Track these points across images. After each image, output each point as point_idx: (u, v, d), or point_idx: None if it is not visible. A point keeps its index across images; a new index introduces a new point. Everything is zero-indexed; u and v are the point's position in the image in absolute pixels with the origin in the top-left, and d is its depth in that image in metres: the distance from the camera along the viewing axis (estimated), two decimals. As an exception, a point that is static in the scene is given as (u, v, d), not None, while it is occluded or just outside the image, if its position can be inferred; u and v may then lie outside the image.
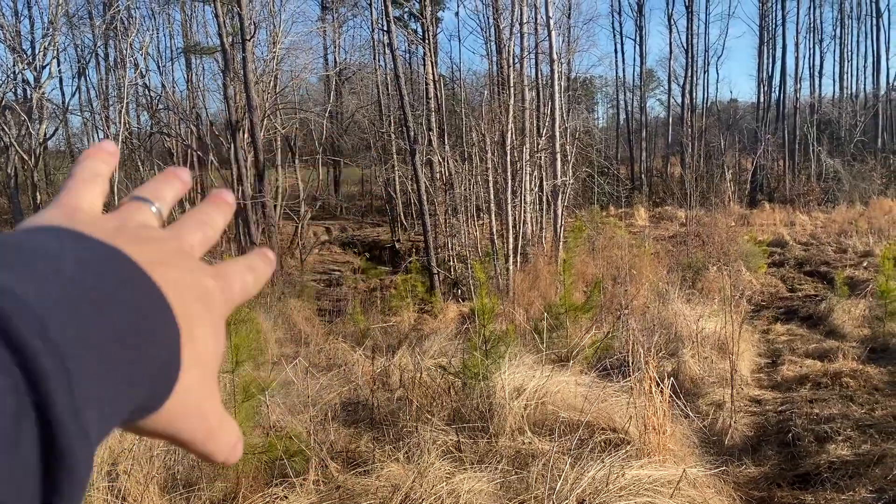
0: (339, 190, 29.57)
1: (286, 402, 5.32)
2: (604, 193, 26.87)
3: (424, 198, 14.26)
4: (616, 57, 38.90)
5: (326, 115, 21.54)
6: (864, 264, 16.04)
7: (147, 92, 22.11)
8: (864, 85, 37.41)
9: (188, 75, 22.99)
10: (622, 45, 46.72)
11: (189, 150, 22.38)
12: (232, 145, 15.52)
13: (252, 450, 4.15)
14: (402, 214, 24.07)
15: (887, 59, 37.86)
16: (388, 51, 18.73)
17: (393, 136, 21.43)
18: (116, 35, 19.35)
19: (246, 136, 16.23)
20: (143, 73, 20.02)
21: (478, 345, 5.31)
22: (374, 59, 24.89)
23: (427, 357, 6.56)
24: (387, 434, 4.73)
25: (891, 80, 39.14)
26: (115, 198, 12.68)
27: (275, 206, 17.61)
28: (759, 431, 5.39)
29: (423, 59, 20.59)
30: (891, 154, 31.13)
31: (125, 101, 15.50)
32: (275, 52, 18.15)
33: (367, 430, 4.90)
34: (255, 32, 15.31)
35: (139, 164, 21.76)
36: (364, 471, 4.07)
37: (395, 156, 21.71)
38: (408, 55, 28.04)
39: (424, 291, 13.63)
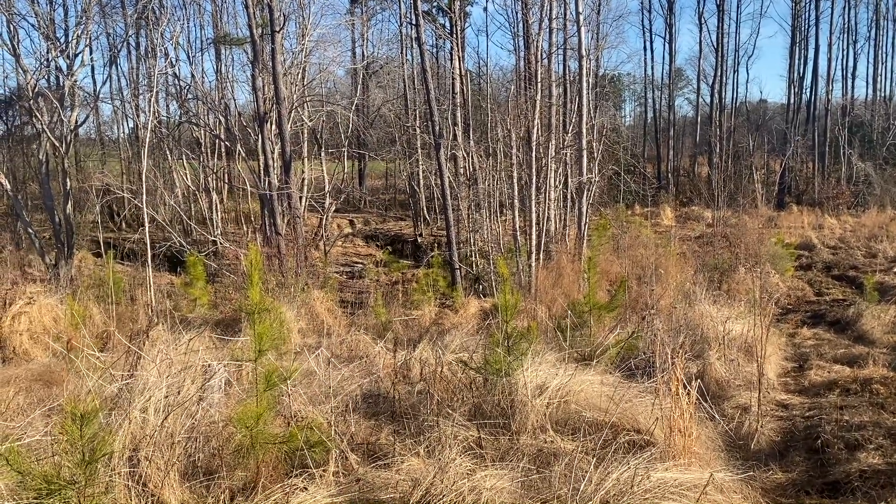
0: (364, 183, 29.63)
1: (308, 392, 5.30)
2: (630, 192, 26.63)
3: (448, 192, 14.21)
4: (645, 54, 38.60)
5: (353, 108, 21.54)
6: (895, 270, 15.75)
7: (177, 81, 22.29)
8: (899, 88, 36.69)
9: (217, 66, 23.11)
10: (651, 42, 46.33)
11: (217, 140, 22.53)
12: (259, 136, 15.57)
13: (273, 439, 4.14)
14: (424, 209, 24.05)
15: (923, 61, 36.93)
16: (415, 45, 18.70)
17: (418, 130, 21.40)
18: (148, 24, 19.53)
19: (273, 127, 16.28)
20: (173, 62, 20.19)
21: (499, 341, 5.26)
22: (402, 52, 24.89)
23: (448, 351, 6.51)
24: (407, 427, 4.70)
25: (926, 83, 38.32)
26: (143, 185, 12.79)
27: (300, 197, 17.67)
28: (786, 437, 5.28)
29: (451, 54, 20.55)
30: (924, 158, 30.51)
31: (155, 90, 15.61)
32: (303, 45, 18.18)
33: (387, 423, 4.87)
34: (284, 24, 15.34)
35: (168, 152, 21.96)
36: (384, 464, 4.04)
37: (419, 150, 21.70)
38: (435, 49, 28.01)
39: (446, 286, 13.60)
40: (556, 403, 4.72)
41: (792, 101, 33.63)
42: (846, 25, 34.56)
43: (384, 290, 13.80)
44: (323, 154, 21.48)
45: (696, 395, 4.24)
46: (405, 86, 24.36)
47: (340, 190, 21.99)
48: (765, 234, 18.63)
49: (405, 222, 25.12)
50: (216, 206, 21.64)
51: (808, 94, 33.75)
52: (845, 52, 35.10)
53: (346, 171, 24.07)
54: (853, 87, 35.84)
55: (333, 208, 20.54)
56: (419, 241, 21.94)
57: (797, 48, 33.20)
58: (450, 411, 4.82)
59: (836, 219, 24.44)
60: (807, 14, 33.20)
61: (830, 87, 33.20)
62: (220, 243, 16.48)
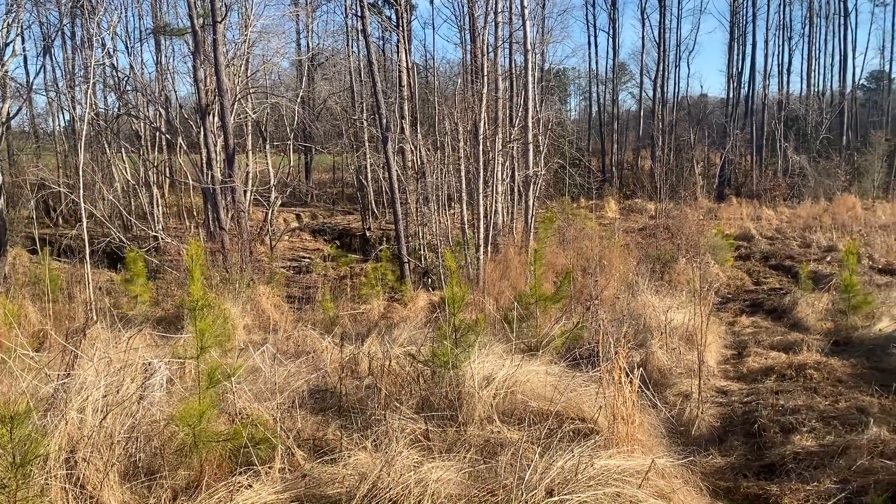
0: (311, 177, 29.29)
1: (253, 389, 5.23)
2: (575, 185, 27.00)
3: (396, 186, 14.17)
4: (589, 49, 39.11)
5: (298, 100, 21.24)
6: (828, 259, 16.36)
7: (115, 73, 21.60)
8: (831, 83, 38.06)
9: (157, 57, 22.48)
10: (595, 37, 47.02)
11: (157, 133, 21.96)
12: (201, 129, 15.23)
13: (216, 437, 4.07)
14: (373, 202, 23.92)
15: (853, 58, 38.45)
16: (361, 37, 18.54)
17: (365, 123, 21.26)
18: (83, 14, 18.85)
19: (216, 120, 15.95)
20: (111, 53, 19.55)
21: (447, 333, 5.28)
22: (348, 45, 24.64)
23: (396, 345, 6.51)
24: (355, 422, 4.69)
25: (856, 79, 39.90)
26: (80, 180, 12.38)
27: (245, 191, 17.36)
28: (725, 422, 5.44)
29: (397, 47, 20.44)
30: (855, 152, 31.74)
31: (92, 82, 15.12)
32: (246, 36, 17.83)
33: (334, 418, 4.85)
34: (226, 14, 15.02)
35: (106, 146, 21.30)
36: (331, 459, 4.02)
37: (367, 143, 21.55)
38: (381, 42, 27.83)
39: (395, 280, 13.58)
40: (502, 394, 4.77)
41: (731, 95, 34.58)
42: (781, 22, 35.68)
43: (332, 285, 13.69)
44: (268, 147, 21.14)
45: (639, 383, 4.33)
46: (352, 78, 24.14)
47: (286, 184, 21.70)
48: (705, 225, 19.14)
49: (353, 216, 24.96)
50: (157, 200, 21.10)
51: (746, 88, 34.75)
52: (781, 49, 36.24)
53: (292, 164, 23.73)
54: (789, 82, 37.10)
55: (279, 202, 20.26)
56: (367, 235, 21.83)
57: (736, 44, 34.12)
58: (398, 405, 4.82)
59: (773, 210, 25.23)
60: (744, 11, 34.15)
61: (767, 82, 34.25)
62: (162, 239, 16.10)
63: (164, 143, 22.91)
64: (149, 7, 23.31)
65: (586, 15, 37.49)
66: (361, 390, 5.54)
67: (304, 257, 19.04)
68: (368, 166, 22.28)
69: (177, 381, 4.98)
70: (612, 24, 35.94)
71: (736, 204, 26.91)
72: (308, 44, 27.07)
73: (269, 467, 3.92)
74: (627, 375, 4.23)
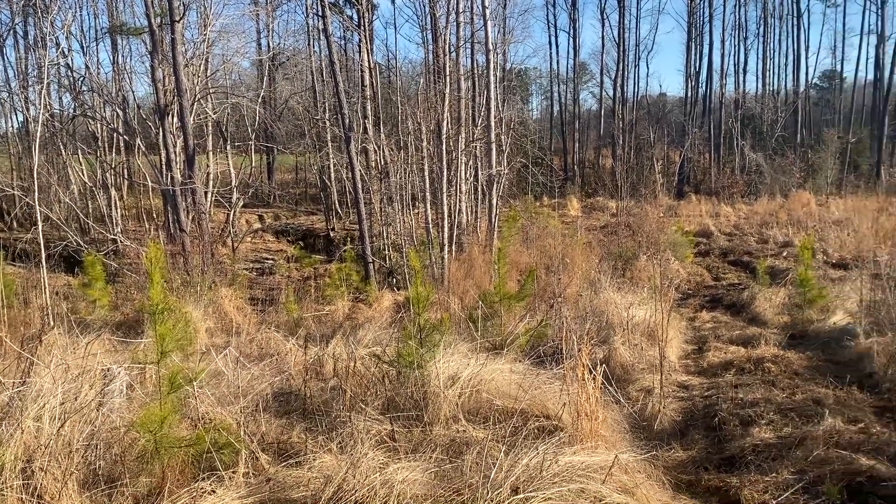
0: (273, 177, 29.00)
1: (216, 393, 5.17)
2: (538, 184, 27.22)
3: (359, 186, 14.11)
4: (550, 49, 39.43)
5: (259, 100, 21.00)
6: (784, 254, 16.74)
7: (70, 73, 21.11)
8: (785, 82, 39.00)
9: (114, 56, 21.99)
10: (556, 37, 47.41)
11: (115, 134, 21.52)
12: (161, 130, 14.97)
13: (178, 443, 4.01)
14: (336, 203, 23.79)
15: (806, 57, 39.68)
16: (322, 36, 18.41)
17: (327, 123, 21.13)
18: (36, 12, 18.39)
19: (175, 120, 15.70)
20: (66, 52, 19.10)
21: (412, 333, 5.28)
22: (309, 44, 24.48)
23: (361, 346, 6.49)
24: (320, 424, 4.66)
25: (809, 78, 40.91)
26: (35, 182, 12.08)
27: (206, 192, 17.13)
28: (686, 416, 5.54)
29: (359, 46, 20.34)
30: (809, 149, 32.54)
31: (46, 82, 14.75)
32: (205, 35, 17.58)
33: (299, 421, 4.81)
34: (184, 14, 14.78)
35: (61, 147, 20.81)
36: (296, 462, 3.99)
37: (329, 143, 21.42)
38: (343, 42, 27.65)
39: (359, 280, 13.52)
40: (468, 393, 4.78)
41: (689, 94, 35.19)
42: (737, 22, 36.44)
43: (296, 286, 13.59)
44: (229, 148, 20.88)
45: (602, 379, 4.39)
46: (313, 78, 23.96)
47: (248, 184, 21.46)
48: (665, 222, 19.43)
49: (317, 216, 24.78)
50: (116, 202, 20.68)
51: (703, 88, 35.40)
52: (737, 48, 37.04)
53: (253, 164, 23.48)
54: (745, 81, 37.85)
55: (241, 203, 20.03)
56: (331, 235, 21.69)
57: (693, 44, 34.74)
58: (363, 406, 4.81)
59: (731, 207, 25.72)
60: (702, 11, 34.79)
61: (724, 82, 34.96)
62: (121, 242, 15.79)
63: (121, 144, 22.48)
64: (104, 6, 22.83)
65: (547, 15, 37.77)
66: (326, 392, 5.51)
67: (267, 258, 18.85)
68: (332, 166, 22.14)
69: (137, 387, 4.90)
70: (572, 24, 36.32)
71: (695, 201, 27.37)
72: (269, 43, 26.83)
73: (233, 472, 3.87)
74: (590, 372, 4.28)
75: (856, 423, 4.72)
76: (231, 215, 19.07)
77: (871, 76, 37.15)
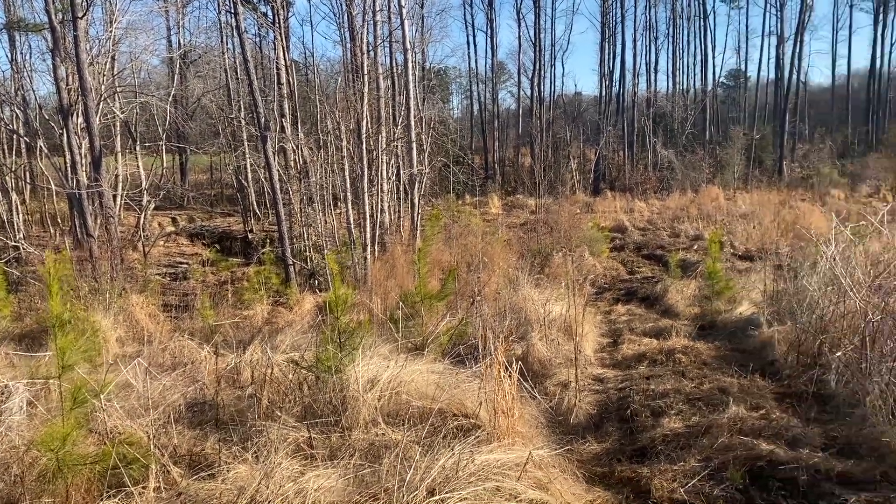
0: (186, 178, 28.14)
1: (125, 405, 4.97)
2: (459, 183, 27.39)
3: (277, 186, 13.84)
4: (468, 48, 39.78)
5: (170, 99, 20.29)
6: (695, 247, 17.40)
7: (-39, 70, 19.86)
8: (694, 81, 40.64)
9: (12, 54, 20.83)
10: (474, 37, 47.89)
11: (14, 136, 20.38)
12: (64, 131, 14.26)
13: (83, 460, 3.84)
14: (254, 204, 23.28)
15: (713, 57, 41.44)
16: (235, 34, 17.96)
17: (243, 122, 20.64)
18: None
19: (80, 120, 14.99)
20: (-45, 48, 17.94)
21: (331, 337, 5.22)
22: (222, 41, 23.80)
23: (279, 352, 6.36)
24: (235, 434, 4.54)
25: (716, 77, 42.71)
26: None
27: (114, 196, 16.44)
28: (601, 409, 5.67)
29: (274, 44, 19.92)
30: (717, 146, 33.97)
31: (-67, 80, 13.81)
32: (111, 32, 16.86)
33: (213, 432, 4.68)
34: (88, 9, 14.12)
35: (-47, 149, 19.58)
36: (209, 474, 3.88)
37: (245, 143, 20.93)
38: (258, 39, 27.07)
39: (279, 283, 13.26)
40: (387, 395, 4.76)
41: (603, 93, 36.16)
42: (648, 23, 37.67)
43: (212, 291, 13.22)
44: (139, 148, 20.10)
45: (518, 376, 4.45)
46: (227, 76, 23.35)
47: (160, 186, 20.71)
48: (582, 219, 19.89)
49: (234, 218, 24.18)
50: (17, 207, 19.60)
51: (617, 87, 36.45)
52: (648, 48, 38.29)
53: (165, 165, 22.66)
54: (656, 80, 39.20)
55: (153, 206, 19.33)
56: (250, 237, 21.20)
57: (607, 44, 35.70)
58: (280, 413, 4.72)
59: (644, 203, 26.54)
60: (614, 11, 35.81)
61: (637, 81, 36.07)
62: (24, 248, 14.99)
63: (22, 146, 21.31)
64: (0, 1, 21.56)
65: (464, 15, 38.24)
66: (243, 400, 5.38)
67: (181, 263, 18.25)
68: (248, 166, 21.64)
69: (39, 403, 4.66)
70: (489, 24, 36.81)
71: (610, 197, 28.11)
72: (179, 41, 25.98)
73: (143, 487, 3.74)
74: (507, 369, 4.34)
75: (758, 409, 4.95)
76: (142, 218, 18.37)
77: (772, 75, 39.16)
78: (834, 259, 7.06)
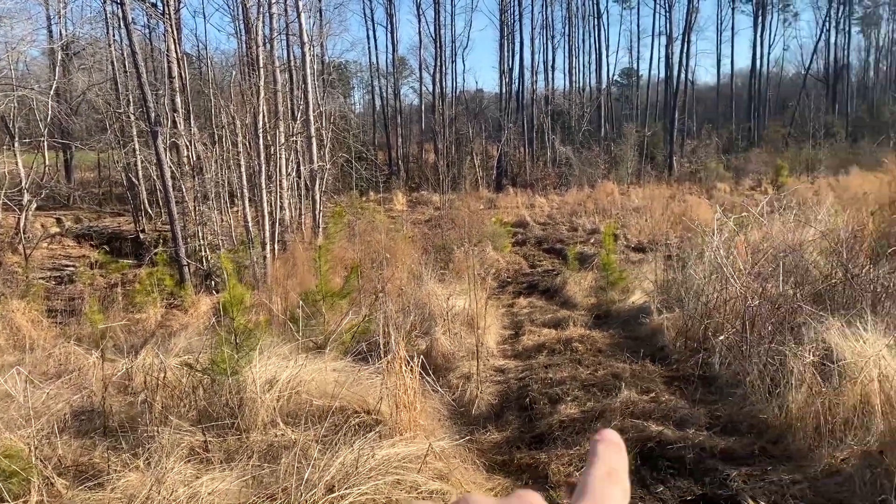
0: (72, 176, 26.62)
1: (4, 417, 4.67)
2: (362, 179, 27.20)
3: (170, 184, 13.29)
4: (369, 43, 39.67)
5: (52, 93, 19.11)
6: (592, 240, 17.98)
7: None
8: (590, 79, 41.95)
9: None
10: (374, 31, 47.61)
11: None
12: (-72, 125, 13.20)
13: (-47, 479, 3.57)
14: (146, 202, 22.29)
15: (607, 56, 42.87)
16: (122, 25, 17.11)
17: (132, 117, 19.70)
18: None
19: (-53, 114, 13.90)
20: None
21: (227, 338, 5.07)
22: (108, 33, 22.62)
23: (173, 355, 6.13)
24: (125, 442, 4.34)
25: (610, 76, 44.30)
26: None
27: (-11, 195, 15.35)
28: (502, 399, 5.78)
29: (165, 36, 19.11)
30: (612, 142, 35.24)
31: None
32: (-18, 19, 15.72)
33: (102, 440, 4.46)
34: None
35: None
36: (97, 483, 3.69)
37: (136, 138, 19.98)
38: (147, 31, 25.93)
39: (174, 285, 12.74)
40: (287, 395, 4.67)
41: (504, 90, 36.77)
42: (545, 22, 38.60)
43: (101, 294, 12.55)
44: (17, 145, 18.83)
45: (420, 370, 4.47)
46: (114, 69, 22.20)
47: (42, 185, 19.49)
48: (485, 214, 20.19)
49: (124, 218, 23.06)
50: None
51: (516, 84, 37.16)
52: (545, 46, 39.25)
53: (48, 163, 21.36)
54: (553, 78, 40.27)
55: (34, 206, 18.18)
56: (141, 237, 20.28)
57: (506, 41, 36.32)
58: (174, 418, 4.55)
59: (545, 198, 27.19)
60: (512, 9, 36.46)
61: (535, 78, 36.92)
62: None
63: None
64: None
65: (364, 9, 37.86)
66: (135, 407, 5.16)
67: (67, 265, 17.23)
68: (139, 163, 20.69)
69: None
70: (389, 19, 36.68)
71: (513, 193, 28.62)
72: (61, 31, 24.51)
73: (24, 501, 3.52)
74: (408, 364, 4.34)
75: (648, 393, 5.18)
76: (22, 219, 17.24)
77: (662, 74, 40.94)
78: (718, 249, 7.48)
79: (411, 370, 4.32)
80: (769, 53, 43.31)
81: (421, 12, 35.39)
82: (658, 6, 39.27)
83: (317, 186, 15.96)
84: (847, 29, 44.72)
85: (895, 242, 8.67)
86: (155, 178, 18.97)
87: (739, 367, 5.57)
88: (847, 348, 4.85)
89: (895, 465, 3.90)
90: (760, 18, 42.10)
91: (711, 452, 4.15)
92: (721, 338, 5.99)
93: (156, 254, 14.26)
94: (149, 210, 22.38)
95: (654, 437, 4.23)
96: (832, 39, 43.93)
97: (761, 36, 41.93)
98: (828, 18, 42.61)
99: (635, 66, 47.27)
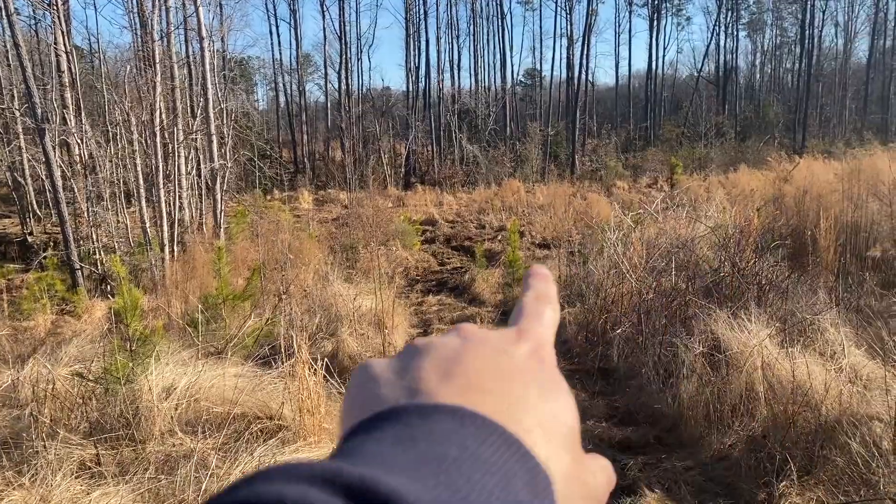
0: (-50, 176, 24.77)
1: None
2: (266, 178, 26.62)
3: (59, 184, 12.59)
4: (272, 38, 38.90)
5: (-76, 85, 17.77)
6: (499, 238, 18.27)
7: None
8: (495, 79, 42.59)
9: None
10: (277, 27, 46.77)
11: None
12: None
13: None
14: (34, 203, 21.03)
15: (511, 56, 43.88)
16: (3, 15, 16.07)
17: (17, 113, 18.55)
18: None
19: None
20: None
21: (121, 345, 4.87)
22: (-12, 22, 21.18)
23: (64, 364, 5.82)
24: (9, 458, 4.10)
25: (515, 76, 45.15)
26: None
27: None
28: (409, 398, 5.79)
29: (53, 27, 18.09)
30: (517, 141, 35.91)
31: None
32: None
33: (-19, 459, 4.18)
34: None
35: None
36: (-24, 507, 3.47)
37: (21, 136, 18.83)
38: (34, 22, 24.51)
39: (65, 290, 12.10)
40: (185, 403, 4.53)
41: (411, 89, 36.81)
42: (450, 21, 38.90)
43: (-16, 302, 11.77)
44: None
45: (325, 373, 4.43)
46: (-4, 61, 20.86)
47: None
48: (394, 212, 20.17)
49: (10, 220, 21.72)
50: None
51: (423, 82, 37.27)
52: (451, 45, 39.55)
53: (-79, 162, 19.86)
54: (459, 77, 40.63)
55: None
56: (29, 240, 19.12)
57: (412, 40, 36.35)
58: (64, 432, 4.33)
59: (453, 196, 27.39)
60: (417, 8, 36.52)
61: (441, 77, 37.12)
62: None
63: None
64: None
65: (266, 4, 37.00)
66: (21, 420, 4.87)
67: (-56, 272, 16.04)
68: (26, 162, 19.51)
69: None
70: (292, 15, 36.01)
71: (421, 191, 28.68)
72: (-66, 18, 22.74)
73: None
74: (312, 367, 4.29)
75: (551, 386, 5.32)
76: None
77: (564, 75, 42.02)
78: (615, 245, 7.77)
79: (314, 373, 4.27)
80: (664, 56, 45.45)
81: (325, 8, 34.94)
82: (559, 8, 40.32)
83: (218, 185, 15.50)
84: (735, 33, 47.30)
85: (779, 237, 9.26)
86: (43, 177, 17.94)
87: (636, 359, 5.82)
88: (733, 339, 5.14)
89: (777, 449, 4.17)
90: (655, 22, 43.91)
91: (610, 443, 4.31)
92: (619, 331, 6.23)
93: (45, 258, 13.48)
94: (37, 211, 21.15)
95: (554, 431, 4.35)
96: (722, 43, 46.37)
97: (657, 39, 43.74)
98: (717, 23, 44.93)
99: (539, 66, 48.48)
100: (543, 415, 0.36)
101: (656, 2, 43.96)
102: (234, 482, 0.27)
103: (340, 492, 0.25)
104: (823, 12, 42.78)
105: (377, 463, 0.28)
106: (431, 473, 0.28)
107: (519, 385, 0.36)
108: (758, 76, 55.38)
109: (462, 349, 0.38)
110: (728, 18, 46.06)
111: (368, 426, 0.32)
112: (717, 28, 45.04)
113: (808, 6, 40.71)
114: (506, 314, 9.38)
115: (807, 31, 41.13)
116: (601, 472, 0.39)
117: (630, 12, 46.32)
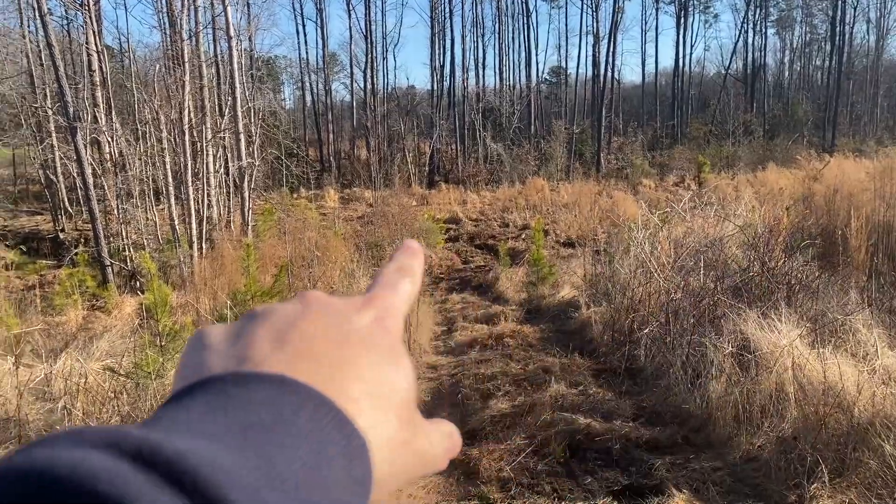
0: (-16, 174, 25.32)
1: None
2: (293, 176, 26.80)
3: (90, 181, 12.80)
4: (298, 38, 39.17)
5: (-40, 85, 18.15)
6: (523, 236, 18.24)
7: None
8: (520, 77, 42.44)
9: None
10: (304, 26, 46.95)
11: None
12: None
13: None
14: (66, 200, 21.40)
15: (536, 54, 43.61)
16: (37, 16, 16.36)
17: (50, 112, 18.88)
18: None
19: None
20: None
21: (150, 341, 4.94)
22: (22, 24, 21.59)
23: (95, 359, 5.92)
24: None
25: (540, 73, 44.96)
26: None
27: None
28: (435, 396, 5.81)
29: (84, 27, 18.38)
30: (541, 139, 35.76)
31: None
32: None
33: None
34: None
35: None
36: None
37: (54, 134, 19.17)
38: (66, 22, 24.91)
39: (96, 286, 12.30)
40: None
41: (435, 87, 36.82)
42: (476, 19, 38.84)
43: (18, 297, 12.01)
44: (-78, 140, 17.79)
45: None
46: (30, 61, 21.21)
47: (-49, 183, 18.47)
48: (418, 211, 20.20)
49: (42, 217, 22.10)
50: None
51: (448, 81, 37.26)
52: (476, 44, 39.49)
53: (-43, 160, 20.29)
54: (484, 76, 40.60)
55: (-58, 205, 17.22)
56: (61, 237, 19.47)
57: (437, 38, 36.36)
58: (96, 425, 4.40)
59: (477, 194, 27.36)
60: (443, 6, 36.51)
61: (466, 76, 37.10)
62: None
63: None
64: None
65: (293, 3, 37.23)
66: (55, 413, 4.97)
67: (-21, 267, 16.39)
68: (58, 160, 19.84)
69: None
70: (318, 14, 36.21)
71: (445, 190, 28.70)
72: (-31, 20, 23.24)
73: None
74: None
75: (577, 386, 5.31)
76: (-70, 219, 16.31)
77: (590, 73, 41.75)
78: (643, 244, 7.71)
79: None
80: (691, 53, 44.99)
81: (351, 7, 35.10)
82: (585, 6, 40.04)
83: (246, 183, 15.65)
84: (764, 31, 46.62)
85: (808, 236, 9.13)
86: (75, 175, 18.25)
87: (663, 358, 5.77)
88: (763, 339, 5.08)
89: (808, 451, 4.12)
90: (683, 19, 43.46)
91: (637, 443, 4.28)
92: (646, 330, 6.19)
93: (76, 254, 13.71)
94: (69, 208, 21.51)
95: (582, 430, 4.34)
96: (750, 40, 45.76)
97: (684, 36, 43.29)
98: (746, 20, 44.33)
99: (564, 64, 48.09)
100: (374, 381, 0.36)
101: (684, -1, 43.51)
102: (18, 447, 0.27)
103: (126, 456, 0.25)
104: (855, 9, 41.96)
105: (180, 430, 0.28)
106: (238, 439, 0.28)
107: (352, 352, 0.36)
108: (787, 74, 54.58)
109: (300, 315, 0.38)
110: (756, 16, 45.44)
111: (182, 395, 0.32)
112: (745, 25, 44.46)
113: (839, 3, 39.99)
114: (530, 312, 9.35)
115: (837, 28, 40.41)
116: (441, 438, 0.40)
117: (657, 10, 45.85)
